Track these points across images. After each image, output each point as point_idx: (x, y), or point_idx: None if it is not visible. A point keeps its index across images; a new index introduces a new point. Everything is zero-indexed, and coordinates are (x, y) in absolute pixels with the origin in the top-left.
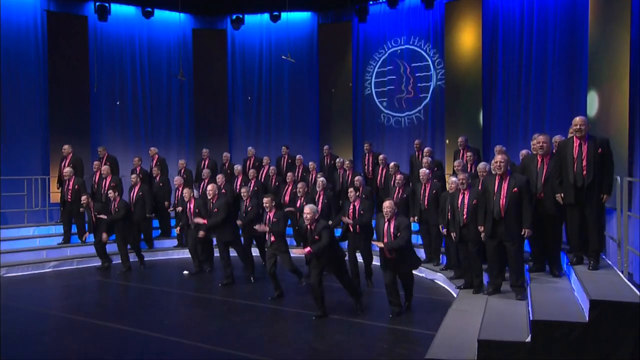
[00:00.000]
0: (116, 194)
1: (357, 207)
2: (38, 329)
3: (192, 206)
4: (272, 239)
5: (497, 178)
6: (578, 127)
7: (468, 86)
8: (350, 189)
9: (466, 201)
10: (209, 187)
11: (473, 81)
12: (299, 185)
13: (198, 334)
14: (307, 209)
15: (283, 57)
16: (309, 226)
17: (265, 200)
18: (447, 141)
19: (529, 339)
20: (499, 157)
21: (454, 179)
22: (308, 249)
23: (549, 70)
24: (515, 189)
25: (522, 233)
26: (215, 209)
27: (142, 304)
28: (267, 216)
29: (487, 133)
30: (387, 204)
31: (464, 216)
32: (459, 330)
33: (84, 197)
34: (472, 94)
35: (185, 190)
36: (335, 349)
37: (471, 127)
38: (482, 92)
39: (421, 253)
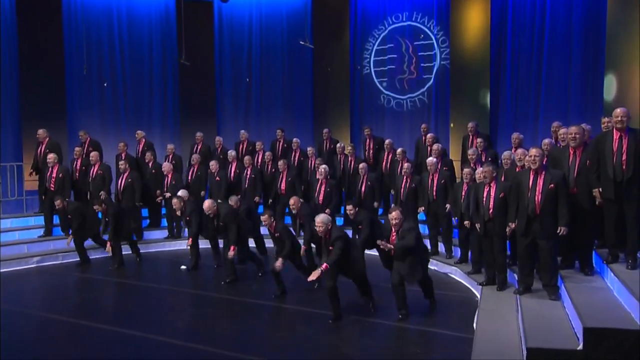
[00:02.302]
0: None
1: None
2: (36, 335)
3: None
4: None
5: (531, 173)
6: (619, 118)
7: (475, 67)
8: (349, 207)
9: (492, 194)
10: (205, 204)
11: (480, 61)
12: (291, 202)
13: (216, 338)
14: (319, 220)
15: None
16: (323, 237)
17: (263, 218)
18: (452, 125)
19: (580, 347)
20: (533, 151)
21: (479, 169)
22: (324, 265)
23: (563, 51)
24: (552, 185)
25: (558, 231)
26: (222, 222)
27: (145, 304)
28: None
29: (494, 117)
30: (394, 215)
31: (490, 210)
32: (497, 334)
33: (57, 202)
34: (479, 75)
35: (175, 202)
36: (365, 353)
37: (478, 110)
38: (490, 73)
39: (426, 244)
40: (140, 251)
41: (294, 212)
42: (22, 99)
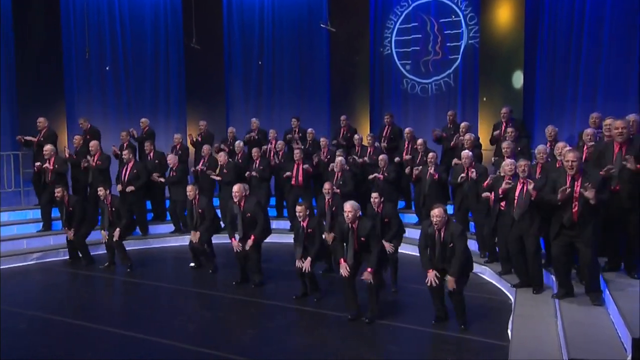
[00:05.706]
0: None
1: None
2: (37, 338)
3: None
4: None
5: (567, 176)
6: None
7: (507, 46)
8: (375, 195)
9: (525, 192)
10: (235, 188)
11: (513, 40)
12: (326, 186)
13: (234, 345)
14: (349, 206)
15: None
16: (350, 225)
17: (299, 209)
18: (483, 99)
19: (628, 359)
20: (570, 156)
21: (509, 161)
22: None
23: (606, 29)
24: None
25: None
26: (248, 214)
27: (154, 305)
28: (301, 225)
29: (529, 102)
30: (436, 212)
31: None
32: (535, 342)
33: (58, 190)
34: (511, 56)
35: (189, 188)
36: None
37: (510, 94)
38: (525, 53)
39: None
40: (147, 247)
41: (327, 197)
42: (19, 85)
